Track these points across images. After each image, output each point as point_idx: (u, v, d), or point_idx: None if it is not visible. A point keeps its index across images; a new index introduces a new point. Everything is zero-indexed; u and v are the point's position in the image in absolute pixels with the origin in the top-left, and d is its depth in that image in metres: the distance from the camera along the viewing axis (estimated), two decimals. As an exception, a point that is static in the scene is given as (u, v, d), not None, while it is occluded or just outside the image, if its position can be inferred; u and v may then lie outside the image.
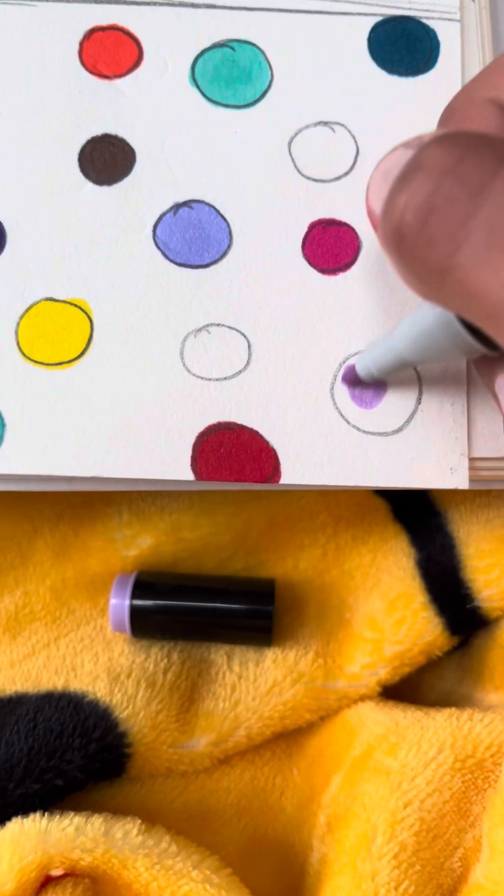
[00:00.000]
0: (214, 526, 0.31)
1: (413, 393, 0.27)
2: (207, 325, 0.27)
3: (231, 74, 0.30)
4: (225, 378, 0.27)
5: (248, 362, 0.27)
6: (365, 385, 0.27)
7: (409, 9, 0.31)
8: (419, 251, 0.18)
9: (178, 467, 0.26)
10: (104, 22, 0.30)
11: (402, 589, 0.30)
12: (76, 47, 0.30)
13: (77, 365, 0.27)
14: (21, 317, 0.27)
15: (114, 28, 0.30)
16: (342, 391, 0.27)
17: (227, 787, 0.30)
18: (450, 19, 0.30)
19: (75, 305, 0.27)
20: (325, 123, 0.29)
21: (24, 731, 0.28)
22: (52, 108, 0.29)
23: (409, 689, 0.31)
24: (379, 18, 0.31)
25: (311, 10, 0.30)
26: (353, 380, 0.27)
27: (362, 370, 0.26)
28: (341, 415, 0.27)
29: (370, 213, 0.21)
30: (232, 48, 0.30)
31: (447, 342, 0.22)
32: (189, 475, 0.26)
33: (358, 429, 0.26)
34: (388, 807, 0.26)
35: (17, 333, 0.27)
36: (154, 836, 0.26)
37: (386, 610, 0.30)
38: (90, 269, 0.28)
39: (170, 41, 0.30)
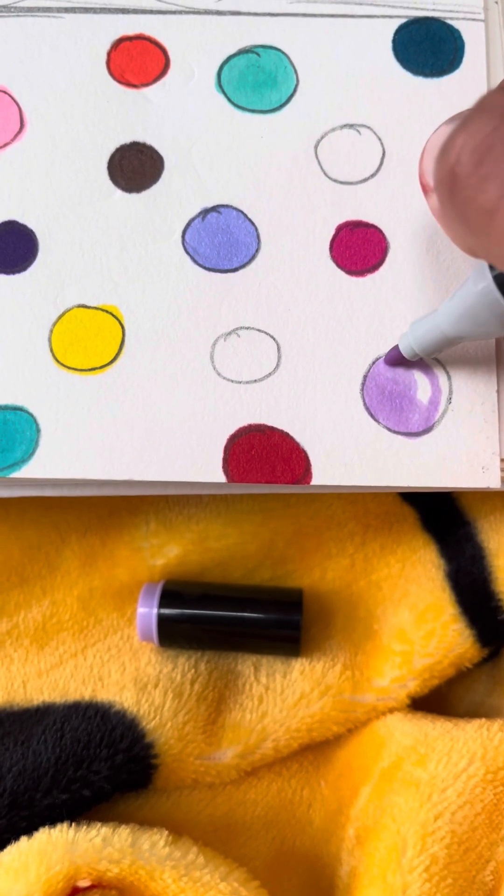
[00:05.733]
0: (241, 535, 0.33)
1: (443, 392, 0.28)
2: (237, 329, 0.29)
3: (257, 80, 0.32)
4: (255, 381, 0.29)
5: (277, 365, 0.29)
6: (408, 364, 0.28)
7: (434, 10, 0.32)
8: (470, 192, 0.19)
9: (209, 469, 0.28)
10: (131, 31, 0.32)
11: (431, 600, 0.31)
12: (104, 57, 0.32)
13: (110, 370, 0.29)
14: (54, 324, 0.29)
15: (140, 37, 0.32)
16: (372, 392, 0.29)
17: (255, 800, 0.31)
18: (474, 19, 0.32)
19: (107, 312, 0.29)
20: (351, 126, 0.31)
21: (51, 741, 0.29)
22: (81, 117, 0.31)
23: (438, 701, 0.32)
24: (403, 20, 0.32)
25: (336, 13, 0.32)
26: (397, 359, 0.28)
27: (405, 349, 0.28)
28: (371, 415, 0.28)
29: (424, 190, 0.22)
30: (257, 54, 0.32)
31: (488, 315, 0.24)
32: (221, 477, 0.28)
33: (388, 429, 0.28)
34: (419, 819, 0.27)
35: (50, 340, 0.29)
36: (181, 848, 0.27)
37: (415, 622, 0.31)
38: (121, 275, 0.30)
39: (196, 49, 0.32)
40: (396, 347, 0.28)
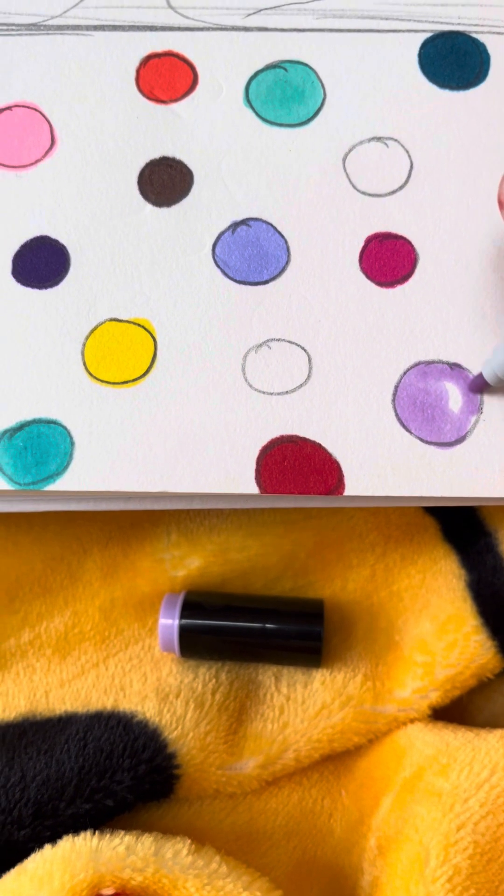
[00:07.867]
0: (262, 547, 0.33)
1: (473, 402, 0.29)
2: (268, 341, 0.30)
3: (284, 94, 0.32)
4: (286, 392, 0.29)
5: (308, 376, 0.29)
6: (493, 390, 0.29)
7: (459, 23, 0.33)
8: None
9: (242, 481, 0.28)
10: (160, 49, 0.33)
11: (452, 611, 0.31)
12: (133, 74, 0.33)
13: (142, 383, 0.29)
14: (87, 337, 0.30)
15: (169, 54, 0.33)
16: (404, 402, 0.29)
17: (276, 809, 0.31)
18: (499, 33, 0.33)
19: (139, 325, 0.30)
20: (379, 139, 0.32)
21: (74, 750, 0.29)
22: (111, 133, 0.32)
23: (458, 711, 0.32)
24: (429, 34, 0.33)
25: (362, 28, 0.33)
26: (481, 387, 0.28)
27: (489, 376, 0.28)
28: (403, 425, 0.29)
29: (500, 207, 0.24)
30: (284, 69, 0.33)
31: None
32: (254, 488, 0.28)
33: (421, 439, 0.28)
34: (441, 829, 0.27)
35: (83, 354, 0.29)
36: (204, 857, 0.27)
37: (436, 633, 0.31)
38: (152, 289, 0.30)
39: (224, 64, 0.33)
40: (480, 375, 0.28)
